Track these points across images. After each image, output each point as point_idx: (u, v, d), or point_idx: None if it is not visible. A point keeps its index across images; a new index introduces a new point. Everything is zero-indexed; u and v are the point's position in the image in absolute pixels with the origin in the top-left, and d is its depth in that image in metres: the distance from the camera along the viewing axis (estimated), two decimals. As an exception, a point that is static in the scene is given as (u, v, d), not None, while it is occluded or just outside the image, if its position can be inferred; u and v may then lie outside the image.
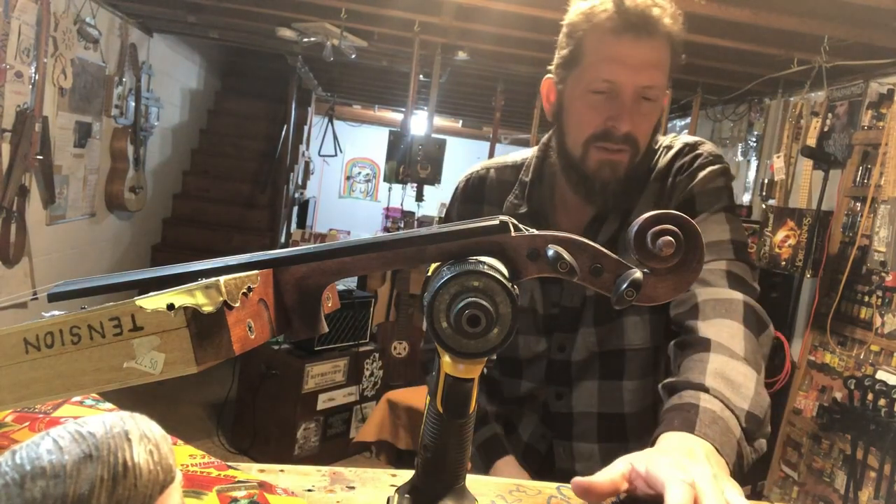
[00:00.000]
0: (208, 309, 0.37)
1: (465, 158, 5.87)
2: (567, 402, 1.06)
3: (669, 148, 1.05)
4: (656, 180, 1.02)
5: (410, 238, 0.45)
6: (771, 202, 3.47)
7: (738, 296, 0.87)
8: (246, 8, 3.29)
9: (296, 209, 6.59)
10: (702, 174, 0.99)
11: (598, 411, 1.05)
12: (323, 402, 3.29)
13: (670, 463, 0.56)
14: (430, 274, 0.45)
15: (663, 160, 1.03)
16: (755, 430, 0.73)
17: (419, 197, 3.97)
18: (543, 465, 1.08)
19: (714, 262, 0.92)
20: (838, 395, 2.74)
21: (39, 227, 3.18)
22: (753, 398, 0.75)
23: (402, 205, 5.12)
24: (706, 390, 0.73)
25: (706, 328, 0.83)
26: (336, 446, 3.40)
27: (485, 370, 0.45)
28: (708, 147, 1.02)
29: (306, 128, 6.51)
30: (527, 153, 1.12)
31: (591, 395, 1.05)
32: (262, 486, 0.56)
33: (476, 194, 1.12)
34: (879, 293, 2.65)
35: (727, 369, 0.77)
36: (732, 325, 0.83)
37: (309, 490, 0.60)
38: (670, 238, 0.44)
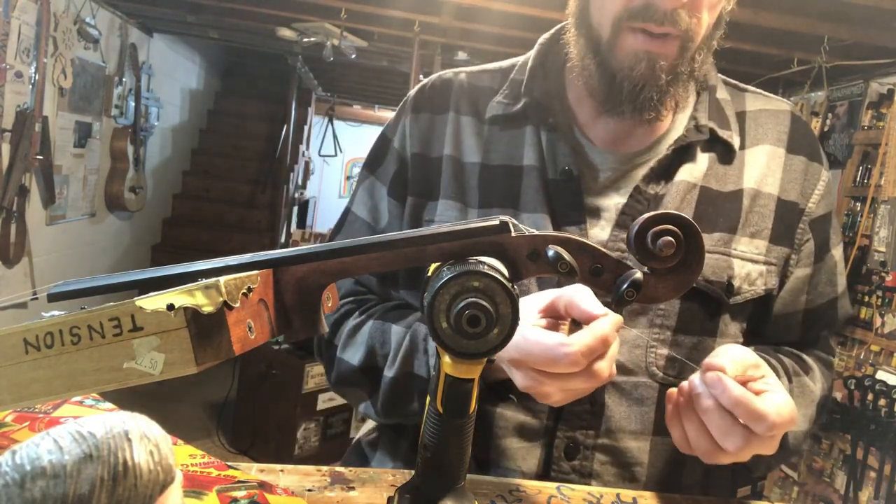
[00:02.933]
0: (208, 309, 0.37)
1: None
2: None
3: (762, 97, 0.85)
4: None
5: (410, 238, 0.45)
6: (771, 202, 3.46)
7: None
8: (246, 8, 3.29)
9: (296, 209, 6.59)
10: (833, 183, 0.85)
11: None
12: (323, 402, 3.29)
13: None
14: (430, 274, 0.45)
15: (756, 103, 0.84)
16: (790, 450, 0.75)
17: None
18: None
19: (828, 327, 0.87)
20: (838, 395, 2.75)
21: (39, 227, 3.18)
22: (803, 431, 0.77)
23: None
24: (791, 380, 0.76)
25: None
26: (336, 446, 3.40)
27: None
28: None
29: (306, 128, 6.51)
30: (517, 59, 0.88)
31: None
32: (262, 486, 0.56)
33: (436, 101, 0.87)
34: (879, 293, 2.65)
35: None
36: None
37: (309, 490, 0.60)
38: (670, 238, 0.44)
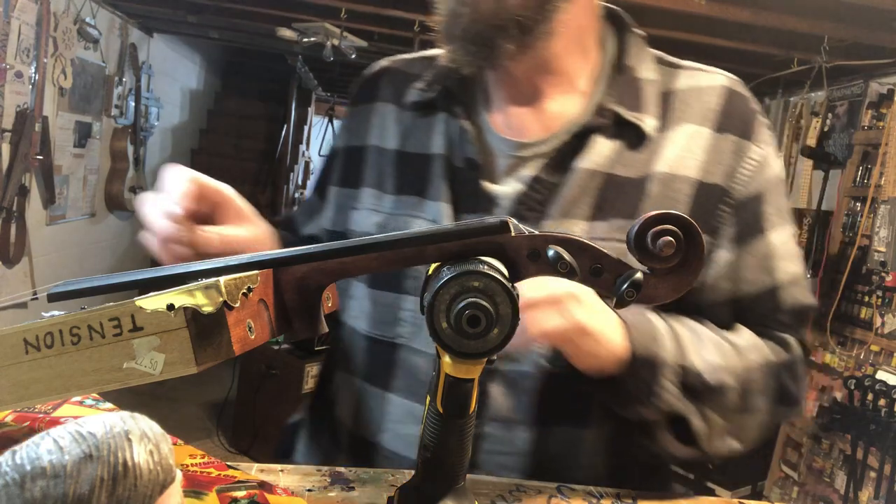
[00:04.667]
0: (208, 309, 0.37)
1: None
2: None
3: (681, 69, 0.81)
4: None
5: (410, 238, 0.45)
6: (771, 202, 3.46)
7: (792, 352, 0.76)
8: (246, 8, 3.29)
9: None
10: (768, 142, 0.78)
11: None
12: (323, 402, 3.29)
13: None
14: (430, 274, 0.45)
15: (685, 80, 0.80)
16: (702, 389, 0.67)
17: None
18: None
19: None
20: (838, 395, 2.74)
21: (39, 227, 3.18)
22: (713, 366, 0.68)
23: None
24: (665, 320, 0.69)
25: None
26: (336, 446, 3.40)
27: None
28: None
29: (306, 128, 6.51)
30: None
31: None
32: (262, 486, 0.56)
33: (367, 93, 0.89)
34: (879, 293, 2.65)
35: (707, 335, 0.71)
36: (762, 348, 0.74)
37: (309, 490, 0.60)
38: (671, 238, 0.44)
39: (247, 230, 0.73)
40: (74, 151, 3.44)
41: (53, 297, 0.46)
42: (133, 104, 4.01)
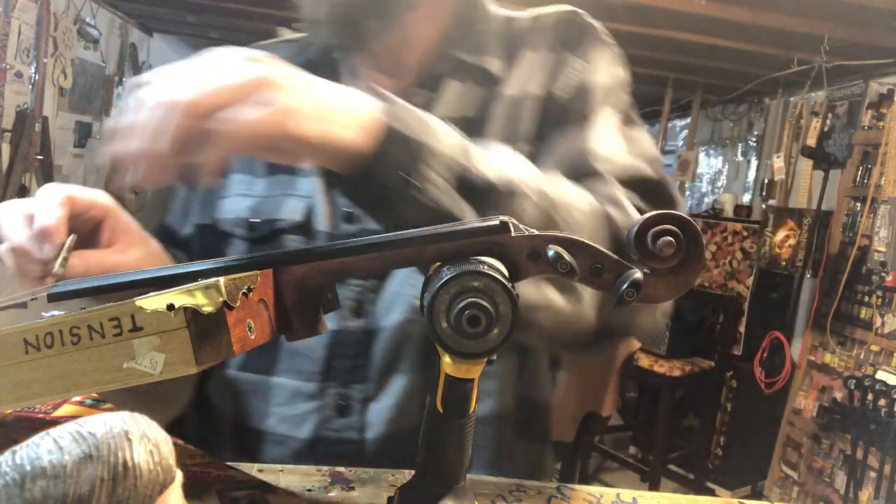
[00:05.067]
0: (208, 309, 0.37)
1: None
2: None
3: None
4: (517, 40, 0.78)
5: (410, 238, 0.45)
6: (771, 202, 3.47)
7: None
8: (246, 8, 3.29)
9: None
10: (602, 55, 0.78)
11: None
12: (323, 402, 3.29)
13: None
14: (430, 274, 0.45)
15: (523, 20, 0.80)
16: (477, 188, 0.55)
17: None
18: None
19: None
20: (838, 395, 2.75)
21: (39, 227, 3.18)
22: (499, 168, 0.57)
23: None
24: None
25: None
26: (336, 446, 3.39)
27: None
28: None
29: (306, 128, 6.50)
30: None
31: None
32: (262, 486, 0.56)
33: None
34: (879, 293, 2.66)
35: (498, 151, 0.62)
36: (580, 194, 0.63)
37: (309, 490, 0.60)
38: (671, 238, 0.44)
39: (128, 255, 0.64)
40: (74, 151, 3.44)
41: (53, 297, 0.46)
42: (133, 104, 4.00)
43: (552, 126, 0.74)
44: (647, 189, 0.69)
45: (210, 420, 0.84)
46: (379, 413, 0.74)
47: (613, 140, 0.73)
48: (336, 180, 0.53)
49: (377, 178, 0.52)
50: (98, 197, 0.60)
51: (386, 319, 0.73)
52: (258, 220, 0.77)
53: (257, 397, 0.77)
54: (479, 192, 0.55)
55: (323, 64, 0.79)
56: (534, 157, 0.70)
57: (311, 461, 0.68)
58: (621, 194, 0.66)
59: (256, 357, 0.77)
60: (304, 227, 0.75)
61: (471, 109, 0.76)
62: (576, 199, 0.62)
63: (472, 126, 0.74)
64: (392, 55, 0.79)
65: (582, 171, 0.68)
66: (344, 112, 0.50)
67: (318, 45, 0.81)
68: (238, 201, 0.79)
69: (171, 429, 0.93)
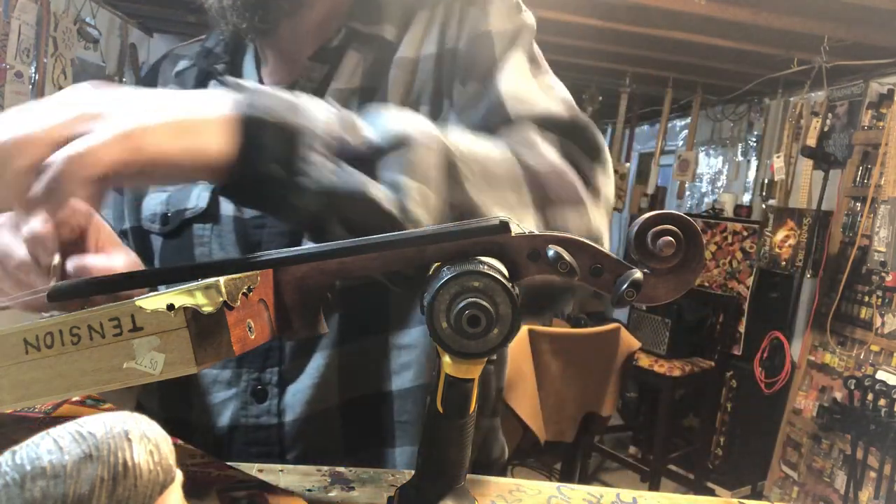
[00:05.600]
0: (208, 309, 0.37)
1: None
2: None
3: None
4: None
5: (410, 238, 0.45)
6: (771, 202, 3.47)
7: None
8: (246, 8, 3.28)
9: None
10: (499, 3, 0.75)
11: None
12: (323, 402, 3.29)
13: None
14: (430, 274, 0.45)
15: None
16: (365, 155, 0.50)
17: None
18: None
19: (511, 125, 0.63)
20: (838, 395, 2.75)
21: (39, 227, 3.18)
22: (384, 126, 0.52)
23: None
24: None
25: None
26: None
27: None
28: None
29: (306, 128, 6.50)
30: None
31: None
32: (262, 486, 0.56)
33: (149, 80, 0.90)
34: (879, 293, 2.66)
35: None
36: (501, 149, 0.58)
37: (309, 490, 0.60)
38: (671, 238, 0.44)
39: (115, 260, 0.58)
40: (74, 151, 3.44)
41: (53, 297, 0.46)
42: (133, 104, 4.01)
43: (456, 80, 0.72)
44: (566, 132, 0.64)
45: (143, 413, 0.83)
46: (296, 395, 0.73)
47: (525, 84, 0.68)
48: (221, 191, 0.49)
49: (256, 175, 0.47)
50: (77, 203, 0.57)
51: None
52: (169, 213, 0.77)
53: (178, 388, 0.76)
54: (369, 159, 0.50)
55: (220, 53, 0.81)
56: (437, 117, 0.70)
57: (231, 450, 0.69)
58: (536, 135, 0.61)
59: None
60: (211, 214, 0.74)
61: (367, 79, 0.75)
62: (483, 147, 0.57)
63: (369, 95, 0.73)
64: (296, 34, 0.78)
65: (494, 120, 0.64)
66: (196, 118, 0.45)
67: (219, 38, 0.82)
68: (154, 198, 0.79)
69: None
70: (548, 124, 0.63)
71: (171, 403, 0.78)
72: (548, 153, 0.60)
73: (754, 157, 3.92)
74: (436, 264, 0.45)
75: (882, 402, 2.49)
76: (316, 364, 0.72)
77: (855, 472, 2.55)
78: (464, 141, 0.56)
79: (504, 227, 0.45)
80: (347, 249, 0.45)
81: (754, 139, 3.92)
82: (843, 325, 2.81)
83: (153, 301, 0.37)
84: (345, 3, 0.79)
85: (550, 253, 0.44)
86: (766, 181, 3.54)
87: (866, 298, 2.72)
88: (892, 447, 2.42)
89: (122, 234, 0.84)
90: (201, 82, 0.81)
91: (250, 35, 0.76)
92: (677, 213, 0.45)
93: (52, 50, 3.01)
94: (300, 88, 0.72)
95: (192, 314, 0.37)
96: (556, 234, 0.45)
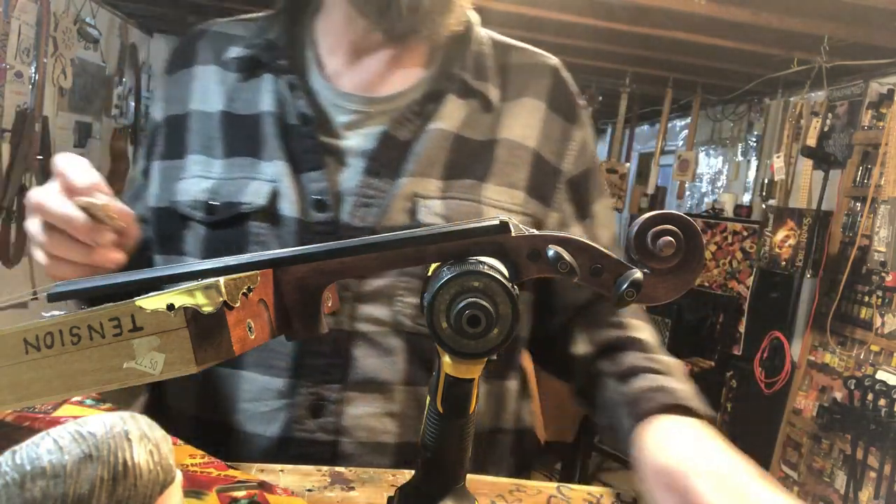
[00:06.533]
0: (208, 309, 0.37)
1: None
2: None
3: (503, 47, 0.84)
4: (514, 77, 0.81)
5: (410, 238, 0.45)
6: (771, 202, 3.47)
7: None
8: (246, 8, 3.29)
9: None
10: (588, 126, 0.85)
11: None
12: (323, 402, 3.29)
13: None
14: (430, 274, 0.45)
15: (517, 56, 0.84)
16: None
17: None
18: None
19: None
20: (838, 395, 2.75)
21: (39, 227, 3.18)
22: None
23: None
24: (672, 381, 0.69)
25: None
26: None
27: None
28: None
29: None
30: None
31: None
32: (262, 485, 0.56)
33: (183, 57, 0.85)
34: (879, 293, 2.66)
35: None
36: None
37: (309, 490, 0.60)
38: (671, 238, 0.44)
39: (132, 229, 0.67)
40: (74, 151, 3.44)
41: (53, 297, 0.46)
42: (133, 104, 4.01)
43: (564, 201, 0.81)
44: None
45: (168, 413, 0.80)
46: (357, 418, 0.71)
47: (610, 236, 0.84)
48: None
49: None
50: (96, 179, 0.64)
51: (365, 324, 0.71)
52: (217, 203, 0.74)
53: (224, 391, 0.74)
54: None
55: (280, 38, 0.79)
56: (547, 221, 0.78)
57: (279, 461, 0.67)
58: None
59: None
60: (269, 213, 0.72)
61: (468, 130, 0.77)
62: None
63: (471, 148, 0.76)
64: (381, 43, 0.78)
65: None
66: None
67: (281, 28, 0.80)
68: (196, 183, 0.76)
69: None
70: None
71: (213, 407, 0.75)
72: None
73: (754, 157, 3.92)
74: (436, 264, 0.45)
75: (882, 402, 2.49)
76: (381, 394, 0.72)
77: (855, 472, 2.55)
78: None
79: (504, 227, 0.45)
80: (347, 249, 0.45)
81: (754, 139, 3.92)
82: (843, 325, 2.81)
83: (153, 301, 0.37)
84: (451, 49, 0.81)
85: (550, 253, 0.44)
86: (766, 181, 3.54)
87: (866, 298, 2.72)
88: (892, 447, 2.42)
89: (153, 215, 0.82)
90: (252, 71, 0.79)
91: (383, 32, 0.76)
92: (677, 213, 0.45)
93: (52, 50, 3.01)
94: (403, 119, 0.76)
95: (192, 314, 0.37)
96: (555, 234, 0.45)
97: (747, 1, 2.44)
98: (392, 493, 0.51)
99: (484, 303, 0.40)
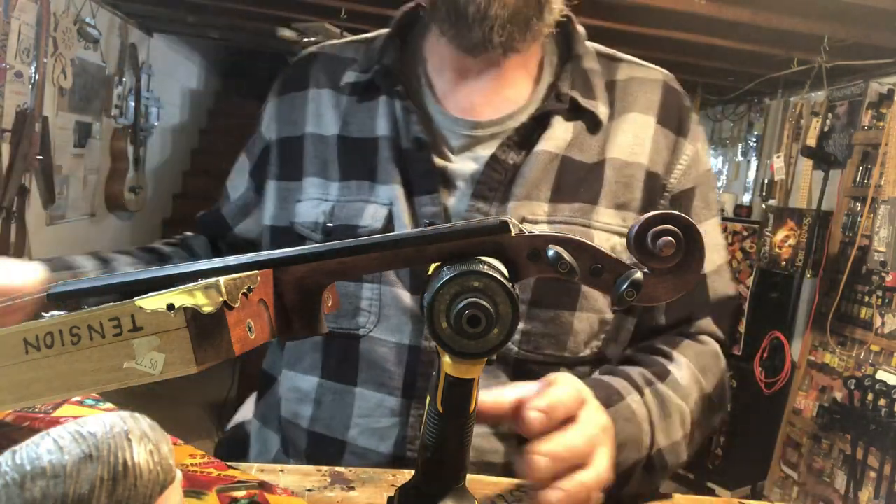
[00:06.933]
0: (208, 309, 0.37)
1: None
2: None
3: (623, 62, 0.83)
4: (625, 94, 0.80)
5: (410, 238, 0.45)
6: (771, 202, 3.47)
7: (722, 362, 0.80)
8: (246, 8, 3.29)
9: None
10: (701, 139, 0.83)
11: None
12: (323, 402, 3.29)
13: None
14: (430, 274, 0.45)
15: (635, 71, 0.83)
16: (659, 469, 0.67)
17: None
18: None
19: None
20: (838, 395, 2.75)
21: (39, 227, 3.19)
22: (674, 442, 0.69)
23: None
24: (641, 394, 0.68)
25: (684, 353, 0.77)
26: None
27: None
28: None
29: (306, 128, 6.49)
30: (384, 30, 0.86)
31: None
32: (262, 486, 0.56)
33: (298, 80, 0.86)
34: (879, 293, 2.65)
35: (675, 391, 0.71)
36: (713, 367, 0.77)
37: (309, 490, 0.60)
38: (671, 238, 0.44)
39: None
40: (74, 151, 3.44)
41: (53, 297, 0.46)
42: (133, 104, 4.01)
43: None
44: (728, 309, 0.83)
45: (279, 426, 0.82)
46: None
47: (719, 262, 0.83)
48: None
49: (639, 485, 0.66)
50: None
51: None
52: (333, 225, 0.76)
53: (339, 407, 0.76)
54: (657, 469, 0.67)
55: (394, 63, 0.78)
56: None
57: None
58: (715, 327, 0.81)
59: (335, 365, 0.76)
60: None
61: (576, 152, 0.76)
62: (698, 408, 0.73)
63: (579, 170, 0.75)
64: (489, 65, 0.77)
65: (696, 305, 0.80)
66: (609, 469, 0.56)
67: (394, 53, 0.80)
68: (314, 205, 0.78)
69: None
70: (723, 312, 0.83)
71: (327, 420, 0.77)
72: (726, 392, 0.80)
73: (754, 157, 3.92)
74: (436, 264, 0.45)
75: (882, 402, 2.49)
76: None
77: (855, 472, 2.55)
78: (697, 414, 0.72)
79: (504, 226, 0.44)
80: (347, 249, 0.45)
81: (754, 139, 3.92)
82: (843, 325, 2.81)
83: (153, 301, 0.37)
84: (557, 66, 0.80)
85: (550, 253, 0.44)
86: (766, 181, 3.54)
87: (866, 298, 2.72)
88: (892, 447, 2.42)
89: (267, 232, 0.84)
90: (367, 95, 0.79)
91: (464, 50, 0.74)
92: (677, 213, 0.45)
93: (52, 50, 3.01)
94: (511, 143, 0.75)
95: (192, 314, 0.37)
96: (555, 234, 0.45)
97: (747, 1, 2.43)
98: (392, 493, 0.51)
99: (484, 303, 0.40)
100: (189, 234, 0.96)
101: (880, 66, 2.77)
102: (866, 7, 2.32)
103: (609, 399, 0.64)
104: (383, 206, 0.74)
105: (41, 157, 2.99)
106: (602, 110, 0.78)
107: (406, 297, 0.73)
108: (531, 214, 0.73)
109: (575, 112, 0.77)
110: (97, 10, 3.44)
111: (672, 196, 0.80)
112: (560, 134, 0.76)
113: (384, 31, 0.85)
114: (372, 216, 0.75)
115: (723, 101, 4.10)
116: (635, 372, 0.72)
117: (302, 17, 3.29)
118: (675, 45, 2.93)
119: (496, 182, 0.74)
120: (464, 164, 0.76)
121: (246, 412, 0.98)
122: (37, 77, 2.88)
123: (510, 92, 0.79)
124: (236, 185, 0.93)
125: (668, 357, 0.76)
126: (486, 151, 0.76)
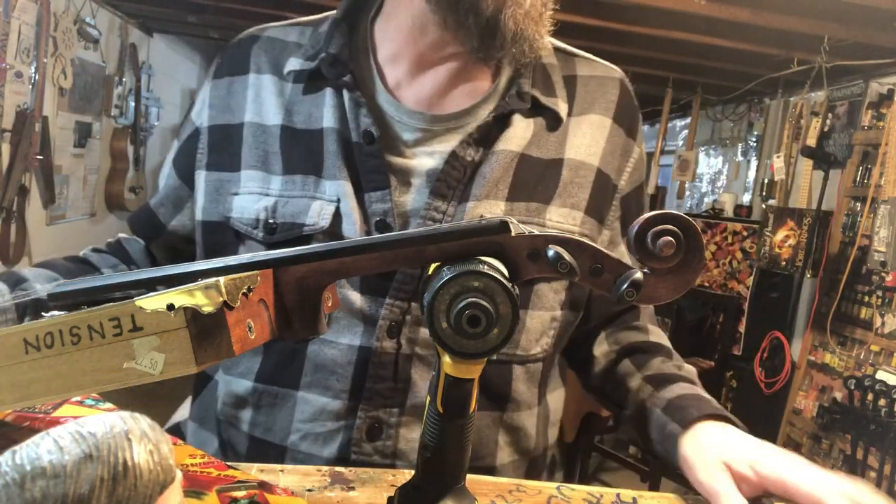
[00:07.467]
0: (208, 309, 0.37)
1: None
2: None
3: (579, 59, 0.82)
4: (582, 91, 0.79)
5: (410, 238, 0.45)
6: (771, 202, 3.47)
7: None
8: (246, 8, 3.29)
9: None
10: (644, 156, 0.85)
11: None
12: (323, 402, 3.28)
13: (811, 473, 0.57)
14: (430, 274, 0.45)
15: (593, 68, 0.81)
16: None
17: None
18: None
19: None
20: (838, 395, 2.75)
21: (39, 227, 3.18)
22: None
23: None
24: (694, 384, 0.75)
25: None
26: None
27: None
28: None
29: (306, 128, 6.48)
30: (333, 12, 0.80)
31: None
32: (262, 485, 0.56)
33: (236, 63, 0.80)
34: (879, 293, 2.65)
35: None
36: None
37: (309, 490, 0.60)
38: (671, 238, 0.44)
39: None
40: (74, 151, 3.44)
41: (53, 297, 0.46)
42: (133, 104, 4.01)
43: (614, 217, 0.81)
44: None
45: (219, 430, 0.79)
46: (411, 443, 0.72)
47: None
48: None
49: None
50: None
51: (424, 349, 0.71)
52: (276, 223, 0.72)
53: (281, 412, 0.73)
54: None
55: (342, 51, 0.75)
56: (586, 224, 0.77)
57: None
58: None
59: (280, 368, 0.73)
60: (333, 235, 0.70)
61: (535, 149, 0.75)
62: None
63: (535, 168, 0.74)
64: (448, 60, 0.75)
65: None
66: None
67: (341, 41, 0.75)
68: (254, 200, 0.74)
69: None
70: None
71: (268, 424, 0.74)
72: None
73: (754, 157, 3.92)
74: (436, 264, 0.45)
75: (882, 402, 2.49)
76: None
77: (855, 472, 2.55)
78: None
79: (504, 226, 0.44)
80: (347, 249, 0.45)
81: (754, 139, 3.92)
82: (843, 325, 2.81)
83: (153, 301, 0.37)
84: (523, 66, 0.77)
85: (550, 253, 0.44)
86: (766, 181, 3.54)
87: (866, 298, 2.72)
88: (892, 447, 2.42)
89: (199, 228, 0.79)
90: (312, 83, 0.75)
91: (481, 56, 0.72)
92: (677, 213, 0.45)
93: (52, 50, 3.01)
94: (471, 140, 0.72)
95: (192, 314, 0.37)
96: (556, 234, 0.45)
97: (747, 1, 2.43)
98: (392, 493, 0.51)
99: (484, 303, 0.40)
100: (123, 235, 0.90)
101: (880, 66, 2.77)
102: (866, 7, 2.32)
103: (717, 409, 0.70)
104: (330, 203, 0.71)
105: (41, 157, 2.99)
106: (562, 107, 0.77)
107: (357, 298, 0.71)
108: (489, 214, 0.71)
109: (535, 109, 0.76)
110: (97, 10, 3.44)
111: (623, 197, 0.81)
112: (520, 132, 0.74)
113: (331, 13, 0.79)
114: (318, 214, 0.71)
115: (723, 101, 4.10)
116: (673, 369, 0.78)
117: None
118: (675, 45, 2.93)
119: (455, 180, 0.72)
120: (419, 160, 0.73)
121: (183, 412, 0.94)
122: (37, 77, 2.88)
123: (468, 86, 0.76)
124: (165, 175, 0.86)
125: (692, 381, 0.78)
126: (443, 147, 0.73)
